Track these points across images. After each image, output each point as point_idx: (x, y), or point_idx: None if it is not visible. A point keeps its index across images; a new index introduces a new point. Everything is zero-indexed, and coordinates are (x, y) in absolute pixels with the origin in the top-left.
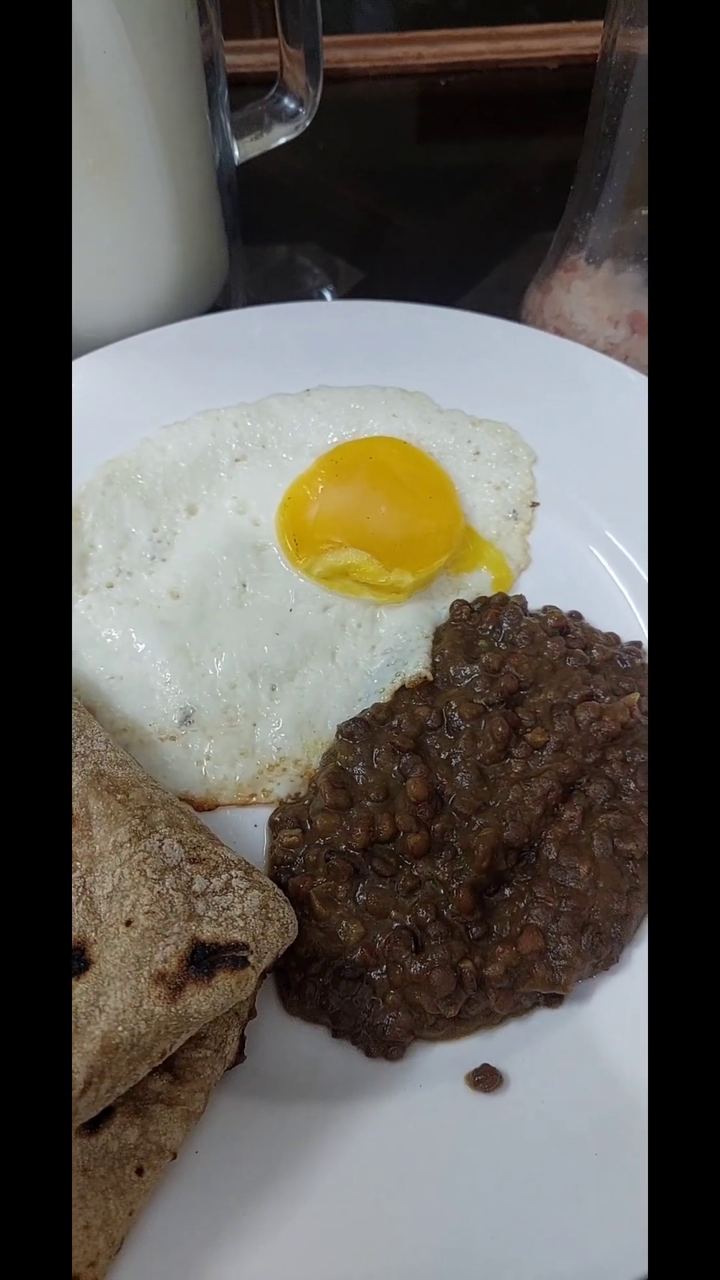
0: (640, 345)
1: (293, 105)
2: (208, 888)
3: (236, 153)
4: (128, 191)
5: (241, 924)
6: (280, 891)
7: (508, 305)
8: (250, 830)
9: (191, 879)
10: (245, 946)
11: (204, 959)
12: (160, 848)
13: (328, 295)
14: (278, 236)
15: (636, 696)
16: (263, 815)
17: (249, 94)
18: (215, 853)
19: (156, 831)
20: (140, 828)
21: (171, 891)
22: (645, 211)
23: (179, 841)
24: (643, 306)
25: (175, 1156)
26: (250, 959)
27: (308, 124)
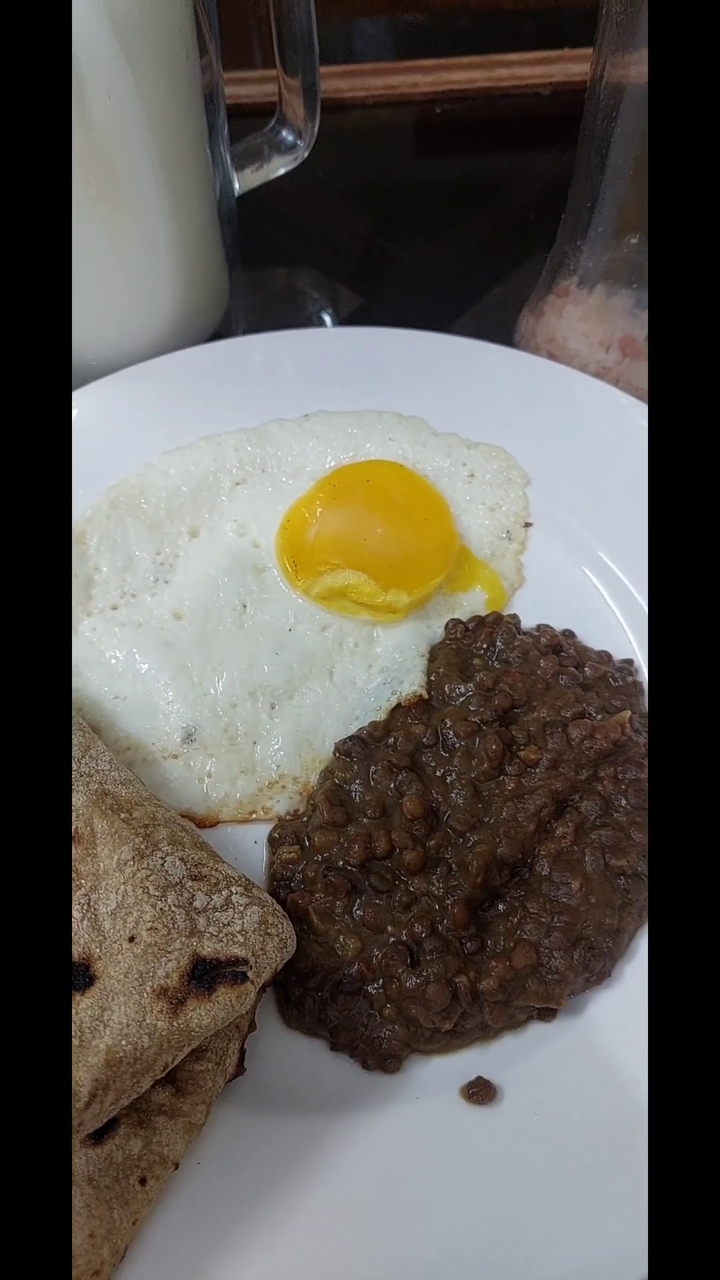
0: (631, 369)
1: (291, 137)
2: (209, 904)
3: (237, 184)
4: (130, 224)
5: (241, 939)
6: (279, 907)
7: (503, 328)
8: (250, 847)
9: (193, 895)
10: (245, 962)
11: (205, 974)
12: (162, 865)
13: (327, 320)
14: (278, 262)
15: (628, 714)
16: (263, 832)
17: (250, 124)
18: (216, 869)
19: (159, 849)
20: (143, 845)
21: (173, 908)
22: (635, 240)
23: (181, 859)
24: (634, 331)
25: (177, 1167)
26: (250, 974)
27: (306, 155)
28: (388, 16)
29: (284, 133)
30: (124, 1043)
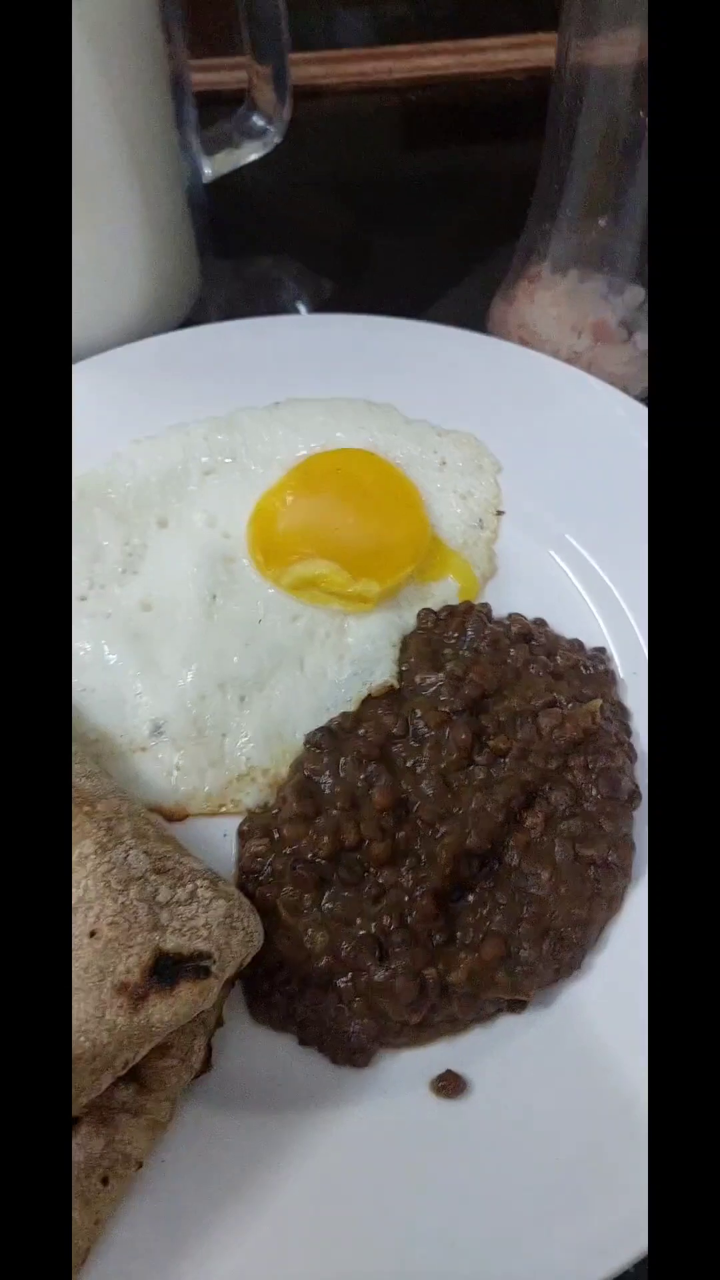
0: (603, 354)
1: (262, 123)
2: (172, 898)
3: (207, 170)
4: (96, 211)
5: (205, 934)
6: (246, 901)
7: (480, 313)
8: (220, 840)
9: (156, 890)
10: (208, 956)
11: (167, 969)
12: (125, 859)
13: (301, 308)
14: (251, 250)
15: (598, 703)
16: (232, 825)
17: (224, 111)
18: (181, 863)
19: (122, 843)
20: (106, 839)
21: (136, 902)
22: (603, 222)
23: (145, 852)
24: (605, 315)
25: (141, 1166)
26: (213, 969)
27: (277, 141)
28: (368, 6)
29: (254, 118)
30: (83, 1039)
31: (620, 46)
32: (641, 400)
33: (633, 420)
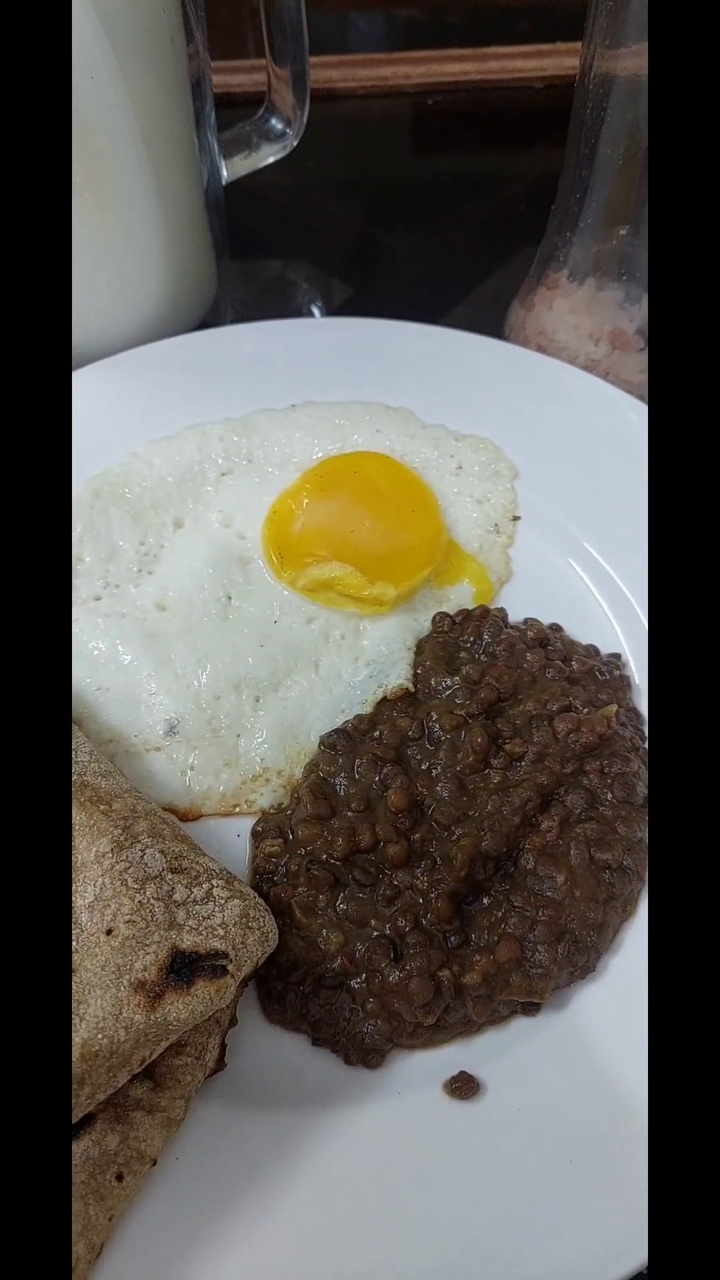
0: (621, 362)
1: (280, 125)
2: (189, 897)
3: (225, 172)
4: (115, 211)
5: (221, 933)
6: (261, 901)
7: (494, 320)
8: (234, 840)
9: (173, 888)
10: (225, 955)
11: (183, 967)
12: (142, 857)
13: (316, 311)
14: (268, 253)
15: (614, 708)
16: (246, 825)
17: (241, 113)
18: (197, 862)
19: (139, 842)
20: (122, 838)
21: (152, 901)
22: (624, 231)
23: (161, 851)
24: (623, 324)
25: (155, 1163)
26: (229, 968)
27: (295, 144)
28: (382, 10)
29: (273, 121)
30: (100, 1036)
31: (645, 56)
32: None
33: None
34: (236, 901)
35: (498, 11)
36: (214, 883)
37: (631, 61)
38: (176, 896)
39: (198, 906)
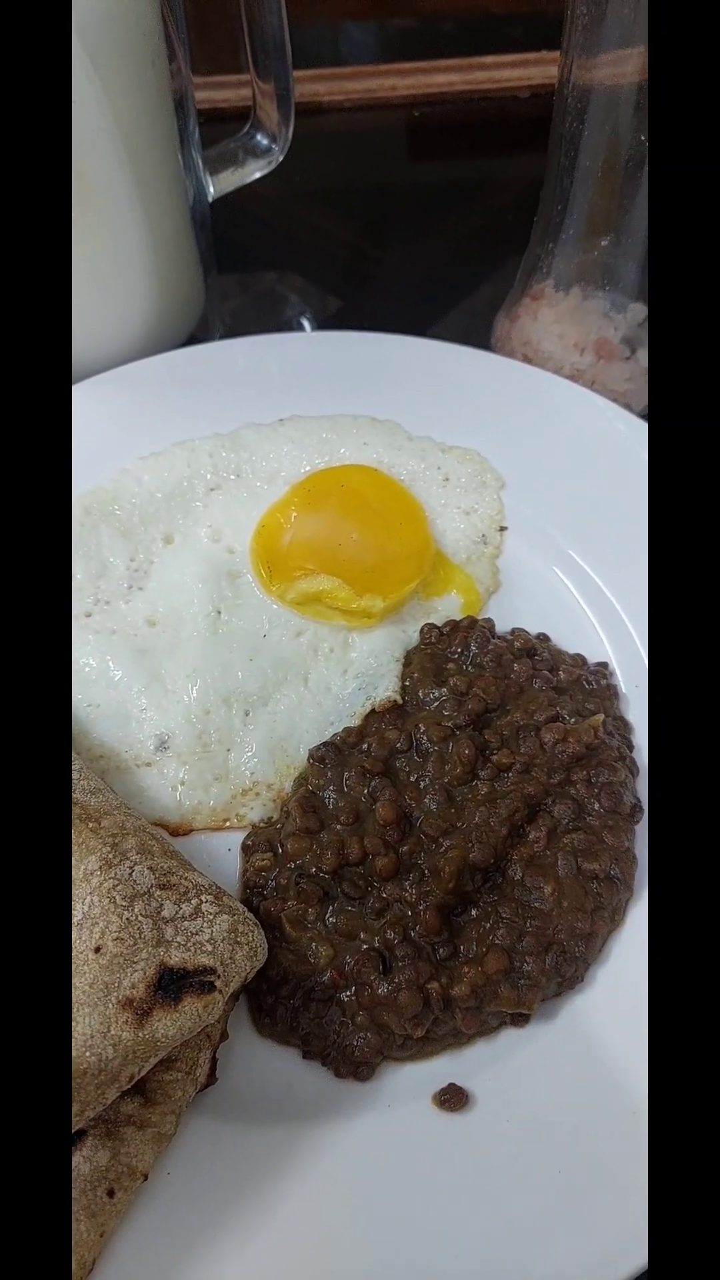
0: (606, 371)
1: (266, 141)
2: (177, 913)
3: (212, 188)
4: (101, 231)
5: (210, 949)
6: (250, 915)
7: (483, 330)
8: (224, 855)
9: (161, 905)
10: (213, 971)
11: (171, 984)
12: (130, 875)
13: (306, 324)
14: (256, 267)
15: (600, 718)
16: (236, 839)
17: (229, 128)
18: (186, 878)
19: (127, 859)
20: (111, 855)
21: (140, 918)
22: (605, 242)
23: (149, 868)
24: (608, 333)
25: (146, 1178)
26: (217, 983)
27: (280, 159)
28: (375, 20)
29: (258, 137)
30: (88, 1054)
31: (622, 67)
32: (644, 417)
33: (635, 437)
34: (225, 917)
35: (490, 19)
36: (203, 898)
37: (609, 72)
38: (165, 913)
39: (186, 922)
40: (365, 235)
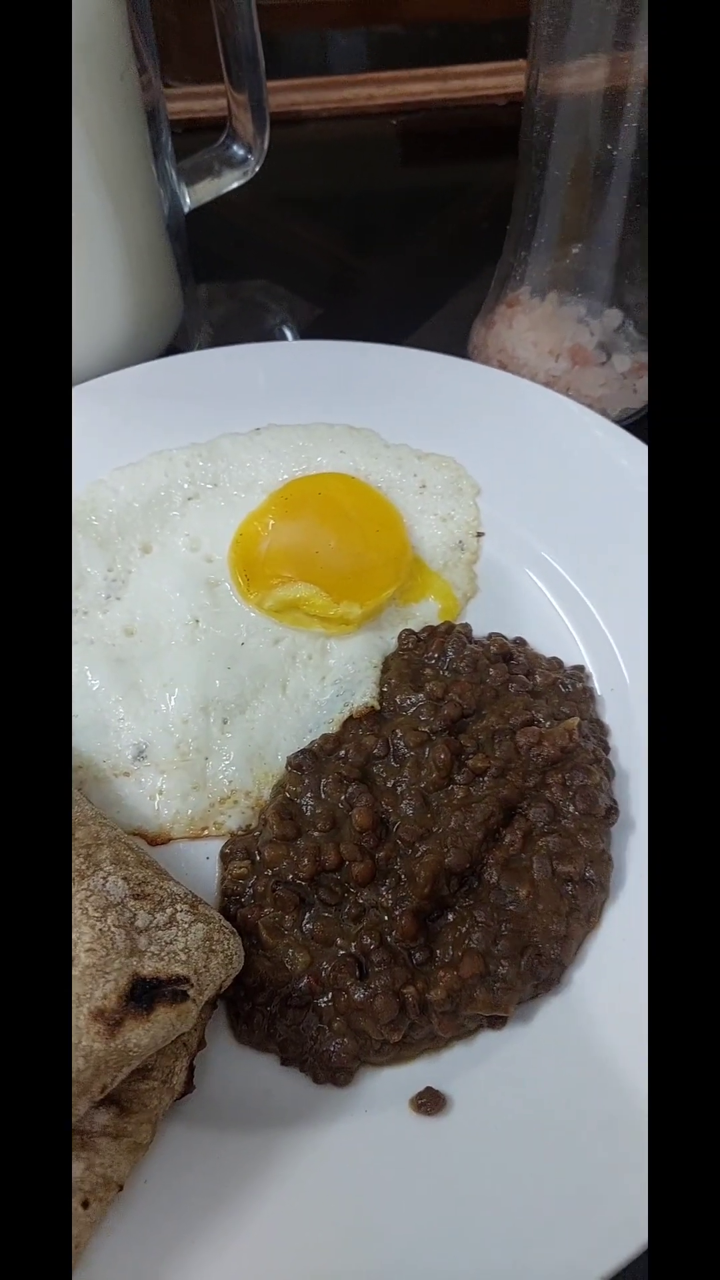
0: (581, 377)
1: (242, 152)
2: (151, 923)
3: (188, 199)
4: (75, 242)
5: (184, 957)
6: (227, 923)
7: (462, 337)
8: (203, 863)
9: (135, 915)
10: (186, 980)
11: (144, 994)
12: (103, 885)
13: (288, 333)
14: (236, 276)
15: (575, 721)
16: (215, 848)
17: (207, 138)
18: (161, 887)
19: (100, 869)
20: (84, 867)
21: (113, 929)
22: (576, 250)
23: (123, 878)
24: (583, 340)
25: (121, 1189)
26: (191, 992)
27: (257, 169)
28: (361, 28)
29: (234, 147)
30: None
31: (588, 75)
32: (619, 422)
33: (610, 441)
34: (200, 925)
35: (474, 26)
36: (178, 907)
37: (575, 80)
38: (138, 923)
39: (160, 932)
40: (346, 244)
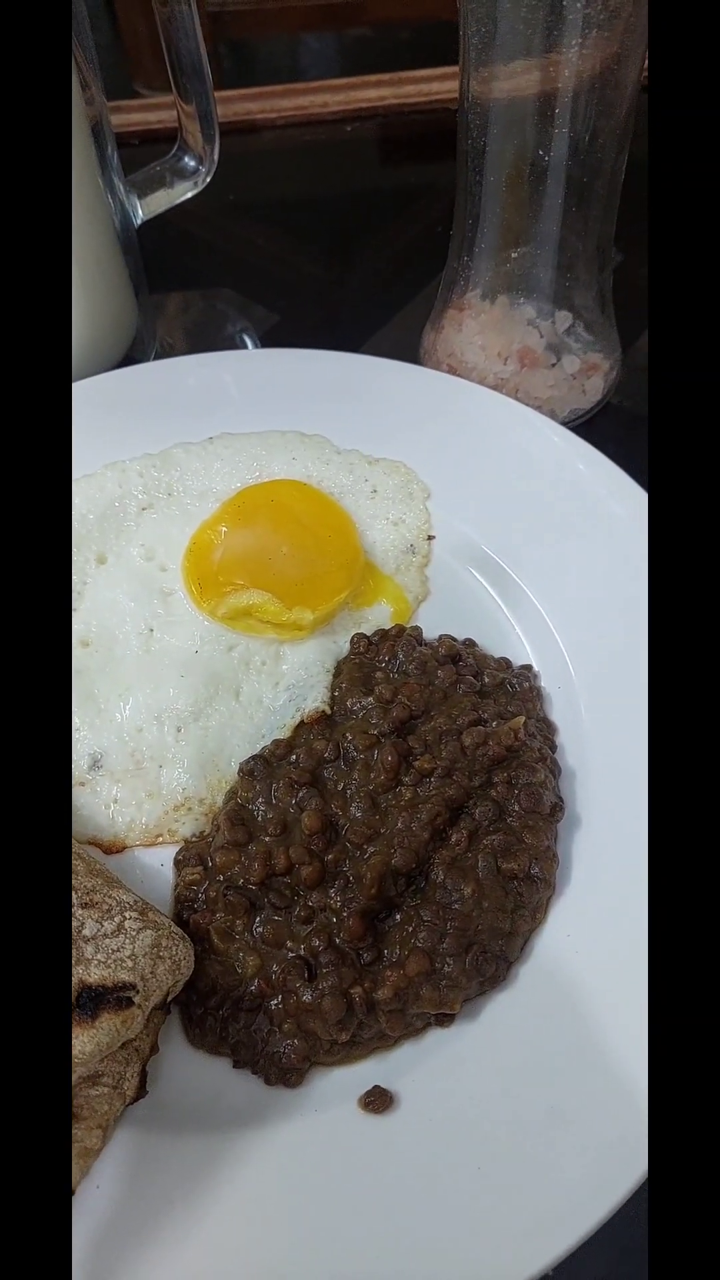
0: (528, 379)
1: (193, 162)
2: (99, 931)
3: (140, 211)
4: None
5: (130, 964)
6: (177, 929)
7: (414, 344)
8: (158, 869)
9: (82, 924)
10: (132, 986)
11: (89, 1001)
12: None
13: (247, 340)
14: (192, 285)
15: (520, 720)
16: (170, 855)
17: (161, 149)
18: (110, 896)
19: None
20: None
21: None
22: (516, 254)
23: (72, 888)
24: (532, 341)
25: (73, 1194)
26: (136, 998)
27: (208, 179)
28: (333, 31)
29: (185, 158)
30: None
31: (519, 79)
32: (567, 423)
33: (557, 442)
34: (149, 932)
35: (443, 27)
36: (126, 915)
37: (507, 84)
38: (86, 932)
39: (107, 940)
40: (300, 251)
